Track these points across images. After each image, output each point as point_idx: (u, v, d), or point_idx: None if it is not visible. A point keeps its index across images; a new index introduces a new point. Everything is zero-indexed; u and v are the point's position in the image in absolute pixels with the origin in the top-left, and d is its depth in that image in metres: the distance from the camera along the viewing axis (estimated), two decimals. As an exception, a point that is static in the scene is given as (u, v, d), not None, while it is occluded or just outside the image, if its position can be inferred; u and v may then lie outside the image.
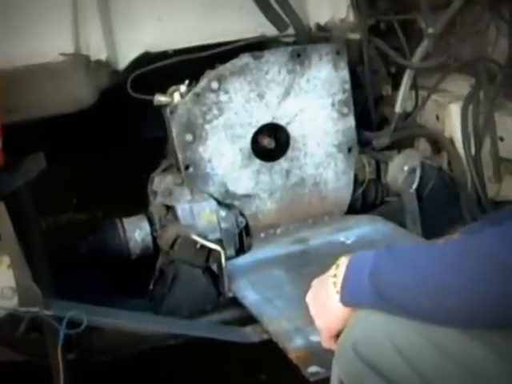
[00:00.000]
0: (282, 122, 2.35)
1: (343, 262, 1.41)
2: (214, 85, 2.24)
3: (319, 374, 1.65)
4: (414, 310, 1.29)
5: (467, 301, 1.23)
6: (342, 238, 2.30)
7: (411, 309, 1.30)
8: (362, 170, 2.47)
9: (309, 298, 1.50)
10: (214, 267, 2.09)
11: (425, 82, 2.55)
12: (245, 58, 2.28)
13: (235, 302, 2.06)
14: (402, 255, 1.32)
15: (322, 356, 1.64)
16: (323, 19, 2.47)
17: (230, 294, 2.07)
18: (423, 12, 2.32)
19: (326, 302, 1.42)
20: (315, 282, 1.50)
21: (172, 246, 2.11)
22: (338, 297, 1.40)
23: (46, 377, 1.80)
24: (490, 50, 2.42)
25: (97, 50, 2.20)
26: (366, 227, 2.34)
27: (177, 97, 2.24)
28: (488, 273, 1.19)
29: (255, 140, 2.33)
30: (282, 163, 2.37)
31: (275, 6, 2.30)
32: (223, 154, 2.28)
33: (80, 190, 2.80)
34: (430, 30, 2.31)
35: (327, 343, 1.47)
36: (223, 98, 2.26)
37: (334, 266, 1.43)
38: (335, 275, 1.41)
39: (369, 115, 2.54)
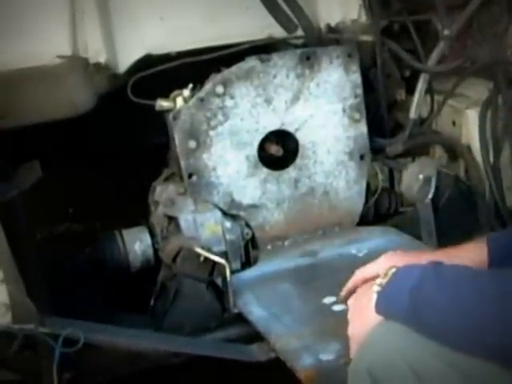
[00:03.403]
0: (291, 129, 2.30)
1: (392, 271, 1.41)
2: (219, 89, 2.20)
3: (329, 394, 1.62)
4: (446, 335, 1.28)
5: (506, 338, 1.21)
6: (353, 251, 2.24)
7: (444, 334, 1.28)
8: (375, 179, 2.42)
9: (350, 301, 1.52)
10: (219, 281, 2.05)
11: (441, 87, 2.50)
12: (251, 61, 2.23)
13: (240, 319, 2.01)
14: (447, 279, 1.31)
15: (333, 376, 1.63)
16: (334, 20, 2.42)
17: (235, 310, 2.02)
18: (439, 13, 2.28)
19: (364, 310, 1.43)
20: (361, 286, 1.51)
21: (174, 259, 2.06)
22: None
23: (40, 397, 1.75)
24: (508, 52, 2.37)
25: (96, 52, 2.16)
26: (378, 239, 2.29)
27: (180, 102, 2.20)
28: None
29: (262, 147, 2.29)
30: (291, 172, 2.32)
31: (283, 6, 2.24)
32: (228, 162, 2.24)
33: (77, 200, 2.77)
34: (446, 32, 2.27)
35: (354, 352, 1.46)
36: (229, 103, 2.21)
37: (382, 274, 1.42)
38: (381, 284, 1.41)
39: (382, 121, 2.49)
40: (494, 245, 1.56)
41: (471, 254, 1.56)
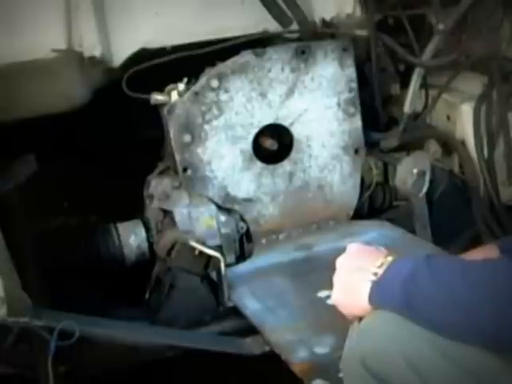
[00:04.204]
0: (285, 123, 2.29)
1: (389, 260, 1.39)
2: (214, 83, 2.19)
3: (323, 387, 1.61)
4: (442, 326, 1.28)
5: (501, 328, 1.22)
6: (347, 244, 2.22)
7: (439, 325, 1.28)
8: (369, 173, 2.42)
9: (342, 267, 1.49)
10: (214, 275, 2.05)
11: (435, 81, 2.50)
12: (246, 55, 2.22)
13: (235, 312, 2.01)
14: (439, 272, 1.30)
15: (327, 368, 1.62)
16: (329, 14, 2.40)
17: (230, 304, 2.02)
18: (434, 7, 2.28)
19: (356, 289, 1.41)
20: (355, 252, 1.50)
21: (169, 253, 2.06)
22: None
23: (35, 390, 1.74)
24: (503, 47, 2.36)
25: (91, 46, 2.15)
26: (373, 233, 2.28)
27: (175, 96, 2.19)
28: None
29: (257, 141, 2.28)
30: (285, 166, 2.31)
31: (278, 0, 2.23)
32: (223, 156, 2.23)
33: (72, 193, 2.76)
34: (441, 26, 2.26)
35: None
36: (223, 97, 2.20)
37: (381, 259, 1.39)
38: (376, 274, 1.38)
39: (376, 115, 2.48)
40: (507, 246, 1.58)
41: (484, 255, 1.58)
